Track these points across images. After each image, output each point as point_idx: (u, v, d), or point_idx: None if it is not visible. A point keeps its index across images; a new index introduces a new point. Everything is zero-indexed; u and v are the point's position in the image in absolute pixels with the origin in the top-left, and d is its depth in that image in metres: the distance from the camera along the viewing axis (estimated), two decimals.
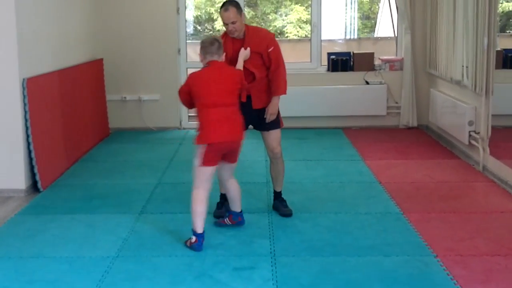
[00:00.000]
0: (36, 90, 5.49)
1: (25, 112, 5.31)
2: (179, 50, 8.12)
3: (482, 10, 5.77)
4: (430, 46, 7.67)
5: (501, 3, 8.00)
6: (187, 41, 8.46)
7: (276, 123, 4.69)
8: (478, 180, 5.66)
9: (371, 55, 8.13)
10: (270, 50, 4.48)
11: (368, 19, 11.54)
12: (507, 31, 8.65)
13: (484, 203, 5.03)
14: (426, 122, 7.89)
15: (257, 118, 4.64)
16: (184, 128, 8.24)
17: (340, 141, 7.38)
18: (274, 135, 4.70)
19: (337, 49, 9.59)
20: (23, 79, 5.30)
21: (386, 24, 9.12)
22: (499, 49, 6.96)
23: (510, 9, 8.42)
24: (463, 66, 6.39)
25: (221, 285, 3.61)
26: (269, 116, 4.58)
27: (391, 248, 4.10)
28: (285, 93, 4.66)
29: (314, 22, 8.19)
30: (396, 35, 8.26)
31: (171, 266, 3.84)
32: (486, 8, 5.68)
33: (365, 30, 11.29)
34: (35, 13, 5.69)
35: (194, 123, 8.22)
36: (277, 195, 4.85)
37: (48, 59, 6.00)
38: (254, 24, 11.33)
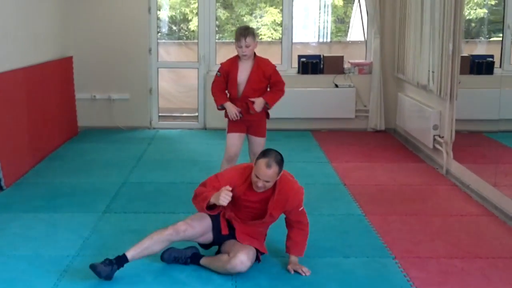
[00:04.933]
0: (1, 87, 5.43)
1: None
2: (150, 50, 8.10)
3: (448, 16, 5.86)
4: (399, 50, 7.77)
5: (475, 9, 8.12)
6: (161, 40, 8.46)
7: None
8: (441, 183, 5.75)
9: (340, 59, 8.19)
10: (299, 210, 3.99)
11: (342, 23, 11.62)
12: (480, 38, 8.77)
13: (446, 207, 5.11)
14: (393, 126, 7.98)
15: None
16: (154, 128, 8.22)
17: (308, 143, 7.43)
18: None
19: (310, 51, 9.65)
20: None
21: (358, 28, 9.20)
22: (466, 55, 7.07)
23: (481, 15, 8.53)
24: (429, 71, 6.48)
25: (181, 284, 3.62)
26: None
27: (351, 249, 4.15)
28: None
29: (285, 25, 8.23)
30: (365, 39, 8.34)
31: (130, 265, 3.80)
32: (452, 14, 5.77)
33: (339, 34, 11.37)
34: (1, 8, 5.63)
35: (164, 123, 8.27)
36: None
37: (15, 56, 5.94)
38: (229, 26, 11.35)
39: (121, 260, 3.62)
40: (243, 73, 4.83)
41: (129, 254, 3.64)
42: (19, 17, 6.09)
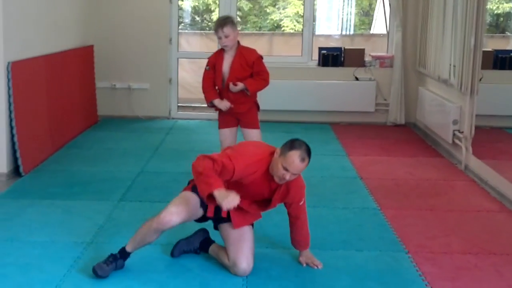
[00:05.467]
0: (21, 74, 5.49)
1: (9, 95, 5.31)
2: (170, 40, 8.12)
3: (470, 10, 5.77)
4: (420, 44, 7.69)
5: (502, 3, 8.01)
6: (183, 31, 8.46)
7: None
8: (459, 179, 5.69)
9: (361, 51, 8.14)
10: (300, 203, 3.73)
11: (367, 15, 11.55)
12: (506, 33, 8.65)
13: (462, 202, 5.06)
14: (413, 120, 7.91)
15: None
16: (173, 118, 8.25)
17: (327, 136, 7.40)
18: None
19: (332, 44, 9.60)
20: (8, 63, 5.30)
21: (381, 21, 9.12)
22: (490, 49, 6.99)
23: (507, 10, 8.41)
24: (450, 65, 6.40)
25: (192, 274, 3.63)
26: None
27: (365, 243, 4.13)
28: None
29: (307, 17, 8.19)
30: (387, 32, 8.27)
31: (143, 254, 3.84)
32: (474, 8, 5.68)
33: (363, 27, 11.30)
34: None
35: (183, 113, 8.29)
36: None
37: (36, 43, 6.00)
38: (252, 17, 11.34)
39: (125, 253, 3.59)
40: (227, 62, 4.82)
41: (129, 248, 3.60)
42: (41, 5, 6.14)
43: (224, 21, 4.70)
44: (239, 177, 3.40)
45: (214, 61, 4.88)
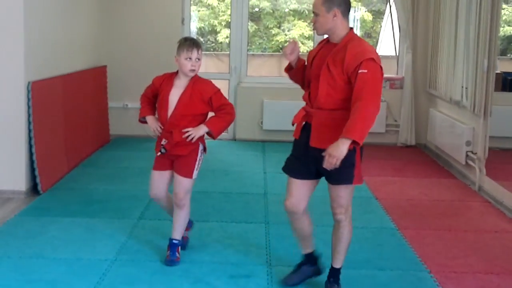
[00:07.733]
0: (40, 93, 5.55)
1: (29, 115, 5.37)
2: None
3: (483, 33, 5.86)
4: (431, 66, 7.77)
5: (503, 27, 8.11)
6: None
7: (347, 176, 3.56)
8: (473, 199, 5.73)
9: None
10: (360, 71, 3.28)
11: (369, 37, 11.66)
12: (508, 55, 8.77)
13: (479, 223, 5.09)
14: (424, 141, 7.96)
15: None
16: None
17: None
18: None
19: None
20: (28, 82, 5.37)
21: (388, 43, 9.22)
22: (498, 72, 7.06)
23: (510, 33, 8.54)
24: (462, 87, 6.48)
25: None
26: (328, 159, 3.28)
27: (386, 262, 4.16)
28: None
29: (317, 39, 8.28)
30: (397, 54, 8.36)
31: (168, 271, 3.89)
32: (488, 31, 5.78)
33: None
34: (42, 18, 5.77)
35: None
36: (332, 273, 3.70)
37: (53, 64, 6.07)
38: (257, 38, 11.44)
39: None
40: (177, 91, 3.95)
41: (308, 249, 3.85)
42: (58, 27, 6.23)
43: (198, 42, 3.98)
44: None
45: (159, 84, 4.02)
